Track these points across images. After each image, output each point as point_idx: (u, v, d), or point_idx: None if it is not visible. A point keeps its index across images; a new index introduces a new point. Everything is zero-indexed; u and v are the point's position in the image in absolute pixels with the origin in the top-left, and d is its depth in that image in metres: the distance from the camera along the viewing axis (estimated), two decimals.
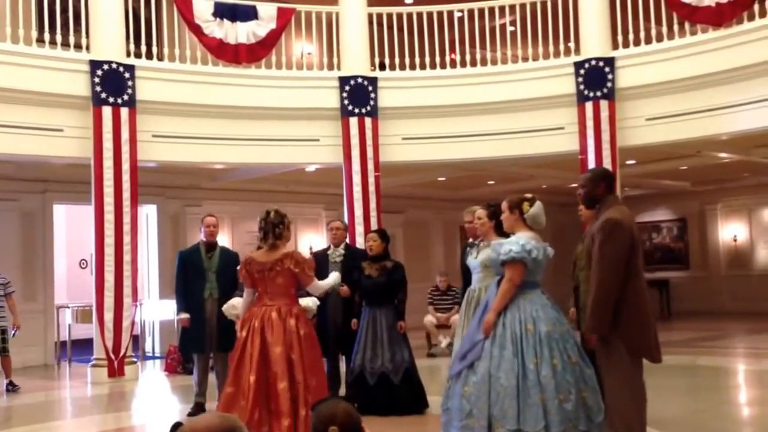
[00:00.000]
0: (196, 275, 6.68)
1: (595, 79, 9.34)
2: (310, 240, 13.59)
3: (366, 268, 6.39)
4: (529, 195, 4.63)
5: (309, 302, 5.63)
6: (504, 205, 4.61)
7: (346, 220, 9.50)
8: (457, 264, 6.35)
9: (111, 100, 8.62)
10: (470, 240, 6.03)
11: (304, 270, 5.00)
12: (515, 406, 4.15)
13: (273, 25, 9.61)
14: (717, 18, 8.76)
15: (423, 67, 9.99)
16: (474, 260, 5.36)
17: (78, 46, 8.74)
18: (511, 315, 4.34)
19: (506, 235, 5.07)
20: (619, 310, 4.05)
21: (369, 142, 9.67)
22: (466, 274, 5.90)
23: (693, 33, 9.14)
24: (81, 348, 10.57)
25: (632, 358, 4.10)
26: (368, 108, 9.71)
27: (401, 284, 6.39)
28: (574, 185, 5.73)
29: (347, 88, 9.71)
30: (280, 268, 4.96)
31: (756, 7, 8.59)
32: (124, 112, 8.68)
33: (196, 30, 9.34)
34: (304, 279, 5.03)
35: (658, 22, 9.29)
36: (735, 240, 16.60)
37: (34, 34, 8.58)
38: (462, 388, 4.32)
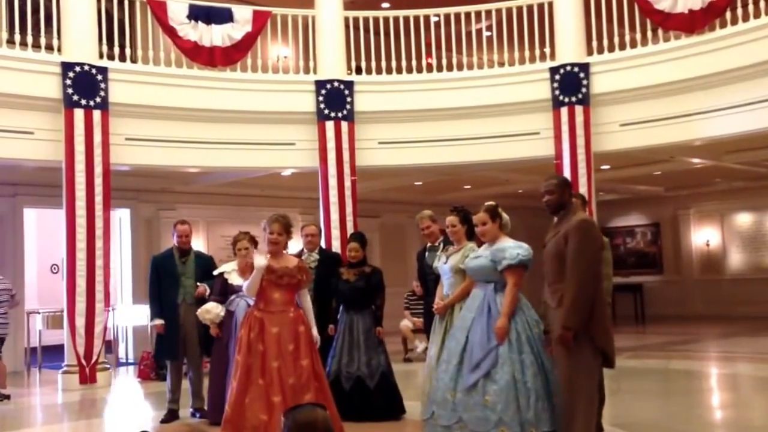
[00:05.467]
0: (169, 281, 6.59)
1: (570, 85, 9.41)
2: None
3: (344, 273, 6.37)
4: (492, 202, 4.72)
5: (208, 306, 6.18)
6: (484, 216, 4.63)
7: (322, 224, 9.46)
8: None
9: (83, 102, 8.50)
10: (428, 244, 6.02)
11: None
12: (548, 408, 4.21)
13: (249, 28, 9.56)
14: (690, 25, 8.88)
15: (399, 71, 9.99)
16: (444, 265, 5.32)
17: (49, 48, 8.61)
18: (520, 319, 4.41)
19: (474, 239, 5.10)
20: (591, 309, 4.13)
21: (345, 146, 9.65)
22: (426, 279, 5.91)
23: (666, 39, 9.24)
24: (52, 354, 10.39)
25: (595, 357, 4.16)
26: (344, 112, 9.69)
27: (379, 289, 6.36)
28: None
29: (323, 91, 9.67)
30: None
31: (728, 14, 8.71)
32: (97, 114, 8.57)
33: (171, 32, 9.25)
34: None
35: (633, 29, 9.39)
36: (707, 245, 16.81)
37: (5, 35, 8.43)
38: (482, 398, 4.27)
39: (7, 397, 8.01)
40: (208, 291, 6.40)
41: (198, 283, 6.53)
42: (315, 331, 5.12)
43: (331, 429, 2.31)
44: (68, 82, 8.46)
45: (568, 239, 4.18)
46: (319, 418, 2.29)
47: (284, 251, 5.14)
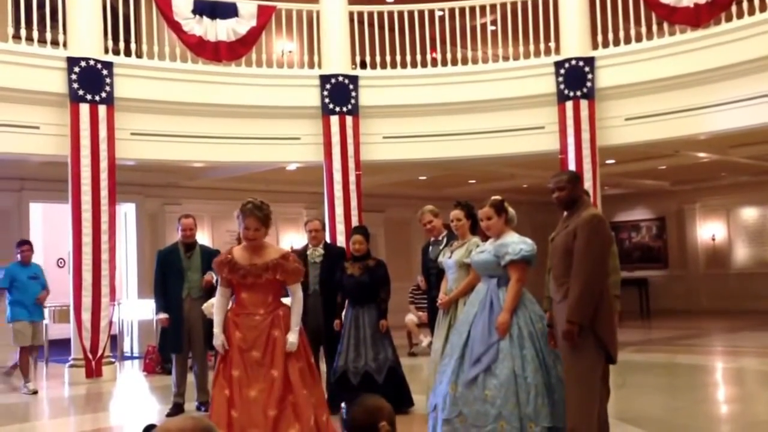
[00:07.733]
0: (174, 275, 6.62)
1: (575, 79, 9.39)
2: (290, 239, 13.54)
3: (348, 267, 6.36)
4: (498, 197, 4.69)
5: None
6: (490, 211, 4.58)
7: (327, 218, 9.47)
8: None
9: (89, 97, 8.52)
10: (432, 239, 6.02)
11: None
12: (548, 403, 4.22)
13: (253, 23, 9.56)
14: (695, 19, 8.85)
15: (404, 65, 9.99)
16: (449, 260, 5.31)
17: (55, 43, 8.63)
18: (523, 314, 4.40)
19: (478, 233, 5.10)
20: (597, 304, 4.13)
21: (350, 140, 9.65)
22: (429, 274, 5.90)
23: (672, 33, 9.21)
24: (58, 348, 10.44)
25: (599, 352, 4.16)
26: (349, 106, 9.69)
27: (384, 282, 6.36)
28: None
29: (328, 86, 9.68)
30: None
31: (733, 8, 8.68)
32: (102, 109, 8.59)
33: (176, 27, 9.27)
34: None
35: (638, 23, 9.36)
36: (713, 239, 16.77)
37: (10, 30, 8.46)
38: (482, 392, 4.27)
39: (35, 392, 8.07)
40: (215, 278, 6.40)
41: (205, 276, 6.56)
42: (291, 336, 4.43)
43: (395, 422, 2.28)
44: (74, 77, 8.48)
45: (576, 234, 4.16)
46: (385, 406, 2.28)
47: (265, 243, 4.50)
